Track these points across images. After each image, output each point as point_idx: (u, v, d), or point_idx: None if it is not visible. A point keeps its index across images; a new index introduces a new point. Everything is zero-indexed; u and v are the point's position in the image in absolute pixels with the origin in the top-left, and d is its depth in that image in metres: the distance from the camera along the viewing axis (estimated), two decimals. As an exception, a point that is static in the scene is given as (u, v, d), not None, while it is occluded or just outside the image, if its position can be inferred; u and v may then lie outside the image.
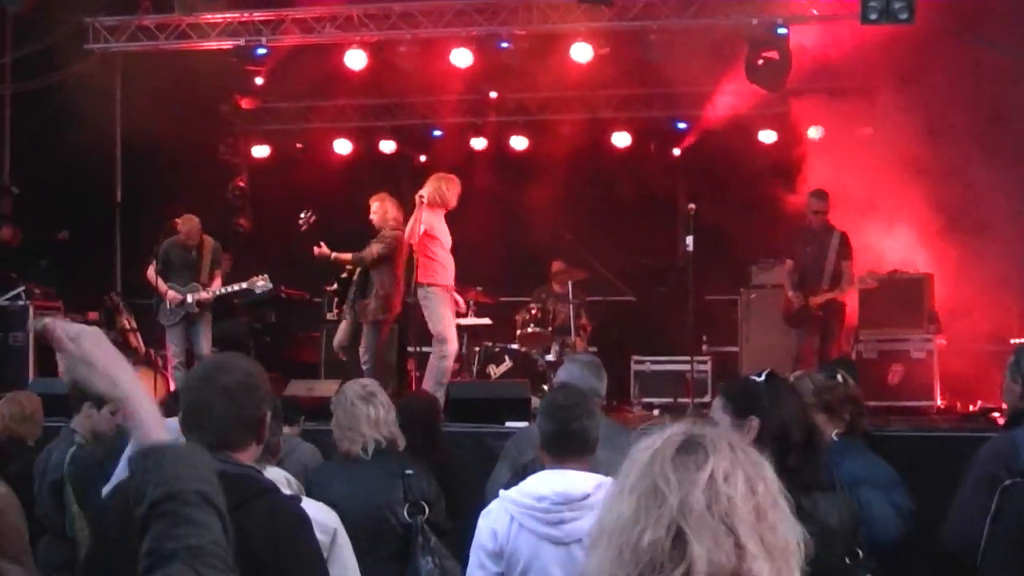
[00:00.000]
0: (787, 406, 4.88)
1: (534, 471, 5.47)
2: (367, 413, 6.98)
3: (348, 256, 14.57)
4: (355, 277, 14.72)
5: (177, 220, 15.27)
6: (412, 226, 13.75)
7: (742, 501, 2.24)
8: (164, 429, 2.95)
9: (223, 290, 15.11)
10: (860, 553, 4.96)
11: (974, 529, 5.94)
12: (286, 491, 4.90)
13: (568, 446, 5.38)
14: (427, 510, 6.79)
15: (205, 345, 15.22)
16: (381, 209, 14.75)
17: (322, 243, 14.67)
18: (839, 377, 6.38)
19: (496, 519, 5.30)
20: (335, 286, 15.02)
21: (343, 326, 15.01)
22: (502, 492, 5.43)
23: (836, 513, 4.77)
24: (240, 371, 4.41)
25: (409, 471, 6.88)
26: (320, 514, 5.09)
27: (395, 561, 6.78)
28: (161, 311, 15.15)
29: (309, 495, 6.63)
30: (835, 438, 6.26)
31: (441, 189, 14.03)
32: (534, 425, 7.22)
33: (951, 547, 6.14)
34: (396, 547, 6.80)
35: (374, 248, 14.51)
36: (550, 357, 16.08)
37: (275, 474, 5.65)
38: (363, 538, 6.67)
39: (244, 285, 15.10)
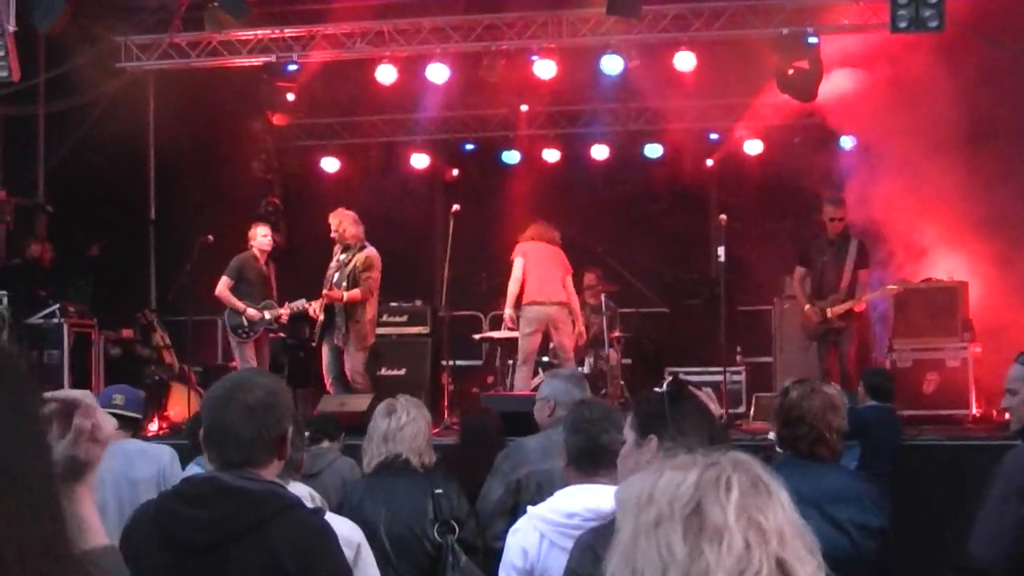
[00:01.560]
0: (689, 422, 4.64)
1: (527, 487, 5.44)
2: (382, 427, 6.98)
3: (357, 294, 14.73)
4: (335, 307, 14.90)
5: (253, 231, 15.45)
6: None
7: (798, 518, 2.32)
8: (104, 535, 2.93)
9: (296, 308, 15.20)
10: None
11: (1005, 541, 5.89)
12: (309, 506, 4.90)
13: (598, 460, 5.34)
14: (457, 529, 6.77)
15: (266, 366, 15.33)
16: (340, 226, 15.03)
17: (332, 287, 14.80)
18: (787, 387, 6.25)
19: (525, 537, 5.25)
20: (322, 317, 15.06)
21: (328, 356, 15.13)
22: (530, 509, 5.37)
23: None
24: (261, 388, 4.40)
25: (439, 490, 6.85)
26: (344, 528, 5.08)
27: (425, 579, 6.78)
28: (235, 327, 15.23)
29: (339, 511, 6.66)
30: (779, 451, 6.18)
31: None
32: (524, 440, 7.23)
33: (980, 560, 6.07)
34: (426, 565, 6.77)
35: (370, 281, 14.82)
36: (584, 369, 16.04)
37: (299, 489, 5.65)
38: (392, 556, 6.68)
39: (300, 305, 15.22)
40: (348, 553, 4.95)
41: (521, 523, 5.34)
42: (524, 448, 7.45)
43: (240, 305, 15.06)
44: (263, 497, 4.23)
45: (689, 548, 2.21)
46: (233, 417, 4.31)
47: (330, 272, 15.00)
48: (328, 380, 15.14)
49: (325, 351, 15.11)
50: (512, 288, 15.11)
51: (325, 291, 14.87)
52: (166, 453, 8.32)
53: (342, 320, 14.84)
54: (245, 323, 15.09)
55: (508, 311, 15.29)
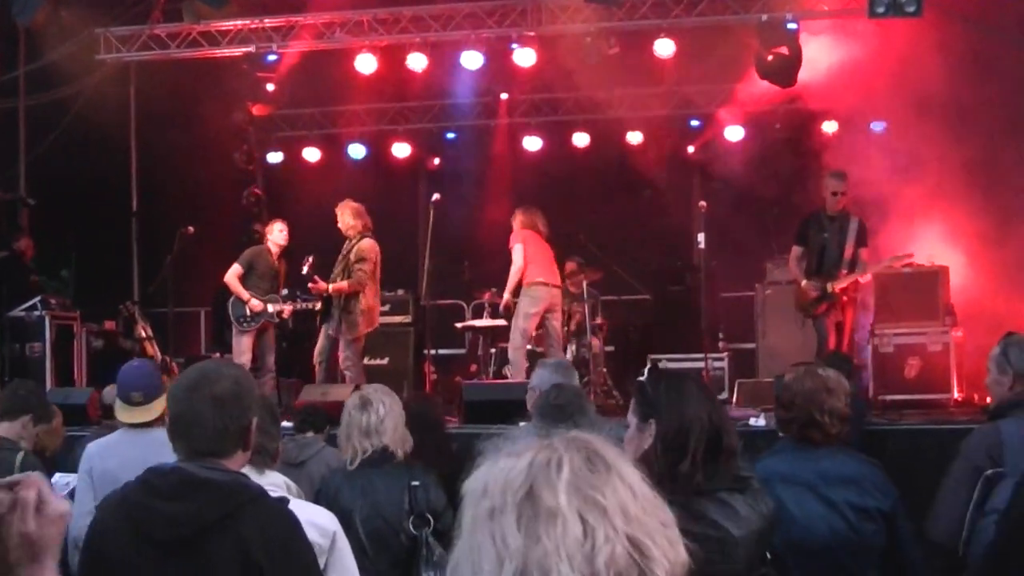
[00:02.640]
0: (687, 407, 4.61)
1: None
2: (359, 422, 6.95)
3: (344, 285, 14.74)
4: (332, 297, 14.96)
5: (271, 225, 15.52)
6: None
7: (647, 492, 2.24)
8: None
9: (301, 305, 15.24)
10: (768, 556, 4.78)
11: (957, 519, 5.94)
12: (284, 495, 4.90)
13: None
14: (432, 521, 6.75)
15: (270, 357, 15.48)
16: (341, 218, 15.13)
17: (316, 278, 14.83)
18: (788, 377, 6.28)
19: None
20: (320, 305, 15.10)
21: (322, 342, 15.16)
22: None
23: (740, 518, 4.50)
24: (228, 379, 4.41)
25: (415, 482, 6.83)
26: (320, 518, 5.07)
27: (399, 570, 6.75)
28: (238, 316, 15.26)
29: (317, 502, 6.65)
30: (779, 437, 6.21)
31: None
32: (512, 428, 7.23)
33: (935, 537, 6.13)
34: (402, 557, 6.76)
35: (360, 272, 14.79)
36: (567, 357, 16.05)
37: (274, 478, 5.65)
38: (368, 548, 6.67)
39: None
40: (323, 542, 4.95)
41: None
42: (511, 436, 7.42)
43: (245, 294, 15.08)
44: (230, 488, 4.25)
45: (524, 535, 2.15)
46: (200, 407, 4.31)
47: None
48: (317, 365, 15.14)
49: (320, 338, 15.14)
50: (514, 274, 15.08)
51: (309, 284, 14.90)
52: None
53: (336, 310, 14.89)
54: (248, 313, 15.10)
55: (507, 296, 15.26)
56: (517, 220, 15.45)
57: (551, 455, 2.22)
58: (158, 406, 7.69)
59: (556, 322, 15.33)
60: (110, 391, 11.85)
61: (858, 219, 14.23)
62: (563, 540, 2.12)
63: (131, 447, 7.33)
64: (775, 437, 6.73)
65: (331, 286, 14.76)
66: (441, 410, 10.44)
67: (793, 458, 5.83)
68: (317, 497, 6.87)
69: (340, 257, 15.00)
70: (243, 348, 15.14)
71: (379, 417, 6.93)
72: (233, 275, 15.24)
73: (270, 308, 15.16)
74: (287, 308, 15.31)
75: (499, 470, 2.25)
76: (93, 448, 7.93)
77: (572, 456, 2.22)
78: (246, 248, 15.66)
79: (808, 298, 14.17)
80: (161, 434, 7.94)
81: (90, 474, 7.41)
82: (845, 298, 14.04)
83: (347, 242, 15.03)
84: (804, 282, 14.16)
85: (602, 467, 2.21)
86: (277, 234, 15.45)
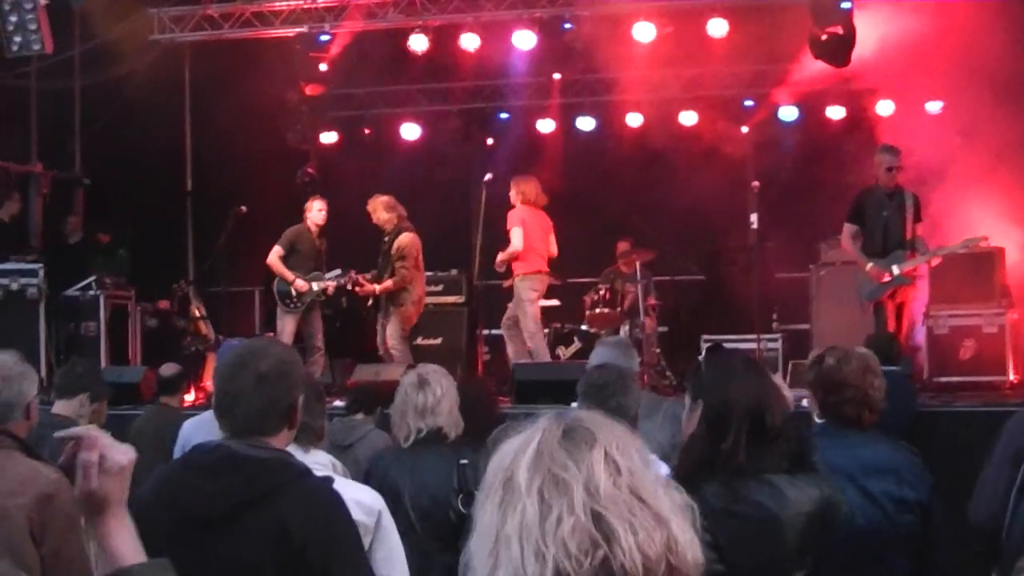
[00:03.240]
0: (732, 386, 4.55)
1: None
2: (415, 402, 6.94)
3: (390, 284, 14.91)
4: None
5: (312, 203, 15.54)
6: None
7: (641, 470, 2.21)
8: (139, 553, 2.93)
9: (342, 281, 15.27)
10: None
11: (998, 504, 5.86)
12: (330, 474, 4.91)
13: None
14: (481, 501, 6.72)
15: (318, 335, 15.54)
16: (374, 213, 15.25)
17: (362, 280, 15.12)
18: (821, 355, 6.19)
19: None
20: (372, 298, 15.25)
21: (382, 330, 15.28)
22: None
23: (786, 499, 4.42)
24: (274, 357, 4.40)
25: (464, 460, 6.83)
26: (364, 496, 5.08)
27: (449, 549, 6.75)
28: (283, 297, 15.32)
29: (367, 482, 6.66)
30: (816, 420, 6.13)
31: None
32: (571, 407, 7.20)
33: (976, 521, 6.05)
34: (450, 535, 6.76)
35: (403, 270, 14.96)
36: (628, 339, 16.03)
37: (320, 457, 5.65)
38: (417, 526, 6.68)
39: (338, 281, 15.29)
40: (368, 521, 4.95)
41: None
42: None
43: (289, 275, 15.15)
44: (273, 466, 4.25)
45: (499, 515, 2.19)
46: (244, 385, 4.31)
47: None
48: (381, 352, 15.26)
49: (379, 329, 15.24)
50: (509, 254, 15.14)
51: (356, 289, 15.18)
52: None
53: (386, 304, 15.00)
54: (293, 293, 15.16)
55: (502, 256, 15.23)
56: (516, 193, 15.40)
57: (531, 435, 2.25)
58: None
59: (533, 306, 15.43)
60: (167, 368, 11.96)
61: (913, 194, 13.83)
62: (522, 517, 2.15)
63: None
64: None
65: (378, 287, 14.86)
66: (490, 391, 10.46)
67: (831, 445, 5.75)
68: (367, 475, 6.92)
69: (382, 253, 15.05)
70: (287, 329, 15.20)
71: (436, 398, 6.94)
72: (275, 256, 15.29)
73: (315, 287, 15.19)
74: (331, 285, 15.33)
75: (497, 455, 2.29)
76: (188, 426, 8.06)
77: (547, 434, 2.23)
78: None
79: (876, 282, 13.63)
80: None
81: (184, 450, 7.49)
82: (910, 282, 13.66)
83: (386, 236, 15.08)
84: (870, 265, 13.59)
85: (583, 442, 2.22)
86: (316, 213, 15.45)
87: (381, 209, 15.08)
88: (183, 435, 8.33)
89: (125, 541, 2.89)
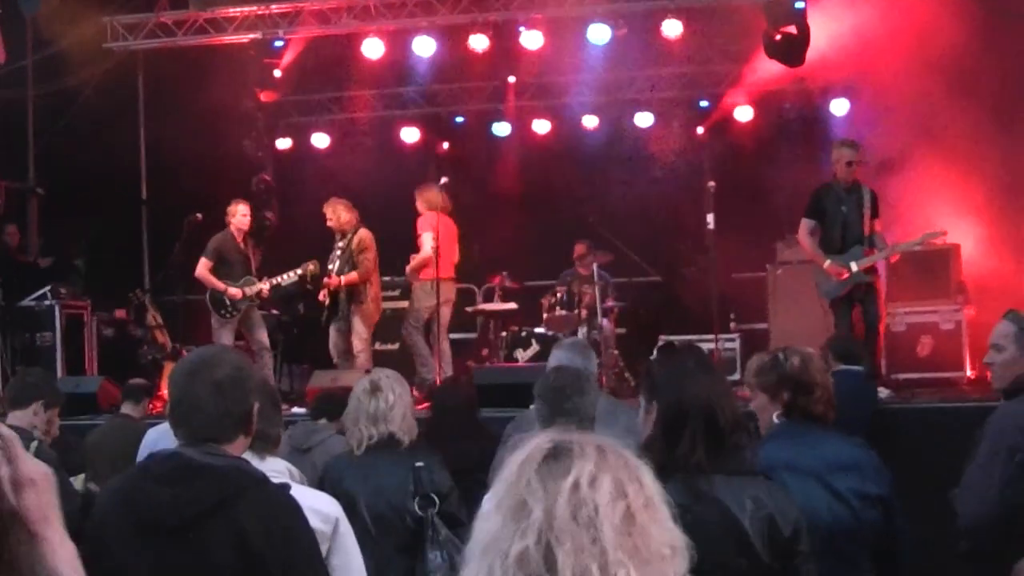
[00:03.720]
0: (685, 385, 4.56)
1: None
2: (367, 408, 6.93)
3: (355, 276, 14.79)
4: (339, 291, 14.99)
5: (231, 208, 15.36)
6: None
7: (608, 507, 2.18)
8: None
9: (277, 280, 15.11)
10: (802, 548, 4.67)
11: (990, 502, 5.85)
12: (286, 480, 4.89)
13: (562, 425, 5.32)
14: (437, 502, 6.73)
15: (261, 334, 15.39)
16: (335, 215, 15.07)
17: (331, 275, 14.92)
18: (781, 356, 6.20)
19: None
20: (328, 304, 15.11)
21: (336, 335, 15.14)
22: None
23: (744, 501, 4.44)
24: (229, 364, 4.41)
25: (419, 463, 6.81)
26: (321, 503, 5.07)
27: (406, 553, 6.74)
28: (219, 307, 15.19)
29: (322, 488, 6.65)
30: (775, 420, 6.12)
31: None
32: (531, 410, 7.20)
33: (968, 521, 6.04)
34: (407, 540, 6.75)
35: (366, 262, 14.91)
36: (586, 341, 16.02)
37: (276, 464, 5.64)
38: (374, 531, 6.66)
39: (298, 272, 15.13)
40: (326, 528, 4.94)
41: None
42: (530, 418, 7.40)
43: (220, 285, 15.02)
44: (230, 474, 4.23)
45: (478, 524, 2.24)
46: (200, 392, 4.30)
47: (331, 261, 15.03)
48: (335, 360, 15.17)
49: (332, 332, 15.13)
50: (420, 263, 15.26)
51: (324, 280, 14.90)
52: None
53: (346, 304, 14.91)
54: (228, 303, 15.05)
55: (415, 262, 15.42)
56: (422, 202, 15.48)
57: (524, 450, 2.27)
58: None
59: (448, 309, 15.65)
60: (135, 381, 11.90)
61: (871, 190, 13.56)
62: (488, 531, 2.20)
63: None
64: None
65: (343, 278, 14.77)
66: (471, 393, 10.48)
67: (793, 444, 5.77)
68: (321, 481, 6.89)
69: (339, 251, 14.97)
70: (225, 340, 14.99)
71: (388, 404, 6.91)
72: (203, 268, 15.16)
73: (248, 291, 15.09)
74: (264, 287, 15.16)
75: (523, 449, 2.31)
76: (153, 433, 8.05)
77: (533, 452, 2.25)
78: (256, 234, 15.65)
79: (835, 280, 13.35)
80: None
81: None
82: (868, 279, 13.34)
83: (340, 237, 15.02)
84: (828, 262, 13.29)
85: (561, 468, 2.21)
86: (240, 218, 15.32)
87: (343, 210, 15.00)
88: (147, 443, 8.29)
89: (64, 560, 2.58)
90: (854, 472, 5.73)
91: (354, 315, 14.93)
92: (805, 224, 13.59)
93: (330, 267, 14.95)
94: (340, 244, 15.02)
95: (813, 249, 13.54)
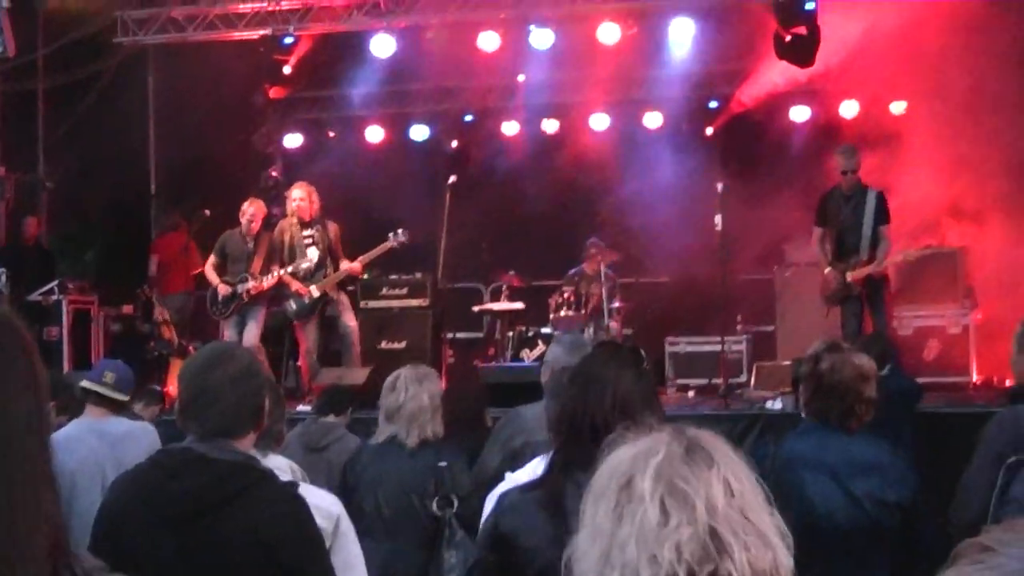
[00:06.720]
0: (587, 392, 4.50)
1: (523, 456, 5.44)
2: (389, 402, 6.99)
3: (358, 266, 15.03)
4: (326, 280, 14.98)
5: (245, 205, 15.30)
6: None
7: (752, 495, 2.30)
8: None
9: (267, 279, 14.94)
10: None
11: (980, 507, 5.86)
12: (287, 478, 4.91)
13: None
14: (455, 503, 6.76)
15: (250, 334, 15.01)
16: (309, 199, 14.96)
17: (359, 261, 14.87)
18: (824, 363, 6.17)
19: (503, 501, 5.26)
20: (317, 294, 15.02)
21: (316, 333, 15.18)
22: (509, 475, 5.38)
23: None
24: (241, 359, 4.47)
25: (443, 463, 6.86)
26: (322, 501, 5.07)
27: (422, 550, 6.77)
28: (211, 304, 15.17)
29: (344, 478, 6.70)
30: (803, 418, 6.13)
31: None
32: (524, 408, 7.21)
33: (958, 525, 6.04)
34: (424, 537, 6.79)
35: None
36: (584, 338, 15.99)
37: (277, 462, 5.66)
38: (388, 523, 6.70)
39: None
40: (326, 525, 4.95)
41: (499, 489, 5.35)
42: (522, 416, 7.40)
43: (214, 280, 15.01)
44: (238, 469, 4.28)
45: (615, 518, 2.25)
46: (215, 386, 4.33)
47: (295, 246, 14.88)
48: (311, 357, 15.13)
49: (312, 329, 15.10)
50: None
51: (346, 267, 14.88)
52: (150, 433, 8.15)
53: (336, 294, 14.92)
54: (218, 299, 15.01)
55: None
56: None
57: (653, 444, 2.33)
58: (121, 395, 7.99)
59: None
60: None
61: (876, 192, 13.64)
62: (641, 522, 2.23)
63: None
64: (792, 420, 6.65)
65: (358, 264, 14.81)
66: (481, 392, 10.52)
67: (818, 442, 5.77)
68: (344, 472, 7.06)
69: (311, 241, 14.88)
70: (227, 337, 14.90)
71: (399, 402, 7.01)
72: (208, 265, 15.17)
73: (239, 289, 14.96)
74: (252, 286, 14.89)
75: (611, 460, 2.36)
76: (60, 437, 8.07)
77: (671, 446, 2.32)
78: (265, 231, 15.64)
79: (830, 287, 13.70)
80: (118, 424, 7.93)
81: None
82: (863, 289, 13.47)
83: (306, 225, 14.95)
84: (827, 269, 13.66)
85: (702, 461, 2.30)
86: (245, 221, 15.17)
87: (316, 196, 14.97)
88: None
89: None
90: (876, 475, 5.70)
91: (343, 307, 15.03)
92: (815, 231, 13.92)
93: (308, 259, 14.82)
94: (309, 233, 14.87)
95: (821, 256, 13.82)
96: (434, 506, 6.78)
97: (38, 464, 2.17)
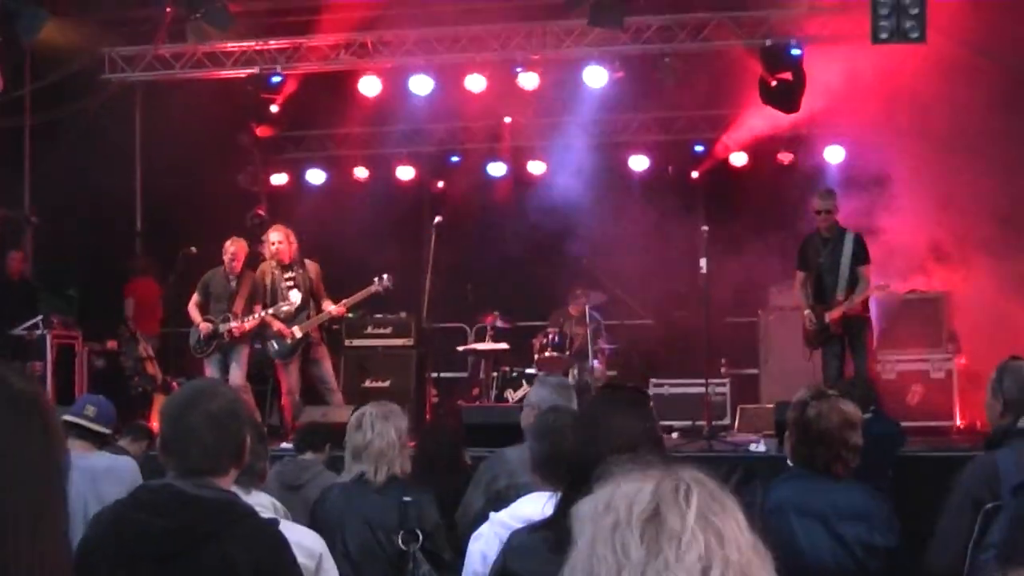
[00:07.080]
0: (595, 432, 4.57)
1: (508, 497, 5.44)
2: (356, 440, 6.98)
3: (343, 308, 15.13)
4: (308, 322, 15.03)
5: (228, 243, 15.24)
6: None
7: (741, 531, 2.30)
8: None
9: (248, 320, 14.90)
10: None
11: (957, 553, 5.87)
12: (269, 515, 4.90)
13: (560, 468, 5.32)
14: (421, 538, 6.74)
15: (235, 373, 14.91)
16: (288, 241, 15.10)
17: (342, 304, 14.99)
18: (811, 410, 6.20)
19: (487, 543, 5.25)
20: (299, 335, 15.05)
21: (298, 373, 15.18)
22: (492, 515, 5.39)
23: None
24: (223, 397, 4.44)
25: (407, 498, 6.84)
26: (306, 539, 5.08)
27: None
28: (193, 344, 15.09)
29: (313, 516, 6.68)
30: (789, 464, 6.15)
31: None
32: (508, 449, 7.21)
33: (934, 571, 6.05)
34: (390, 573, 6.77)
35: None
36: (569, 381, 16.00)
37: (261, 499, 5.66)
38: (357, 560, 6.68)
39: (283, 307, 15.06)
40: (310, 563, 4.95)
41: (483, 529, 5.37)
42: (505, 458, 7.42)
43: (196, 319, 14.94)
44: (219, 506, 4.25)
45: (647, 548, 2.23)
46: (196, 424, 4.32)
47: (276, 288, 14.95)
48: (294, 397, 15.13)
49: (294, 368, 15.10)
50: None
51: (331, 310, 15.01)
52: (132, 468, 8.13)
53: (320, 335, 15.02)
54: (199, 338, 14.97)
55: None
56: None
57: (678, 483, 2.31)
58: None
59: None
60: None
61: (854, 234, 13.76)
62: (684, 556, 2.22)
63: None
64: (775, 463, 6.66)
65: (343, 307, 14.89)
66: (457, 432, 10.52)
67: (805, 488, 5.80)
68: (313, 511, 6.98)
69: (292, 283, 14.97)
70: (211, 372, 14.85)
71: (365, 441, 6.97)
72: (192, 303, 15.10)
73: (220, 328, 14.84)
74: (234, 326, 14.79)
75: (623, 491, 2.34)
76: None
77: (700, 488, 2.31)
78: (248, 269, 15.61)
79: (809, 329, 13.81)
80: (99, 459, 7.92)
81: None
82: (841, 331, 13.55)
83: (285, 268, 15.02)
84: (806, 312, 13.76)
85: (721, 505, 2.31)
86: (227, 259, 15.10)
87: (294, 238, 15.03)
88: None
89: None
90: (863, 521, 5.74)
91: (322, 349, 15.07)
92: (797, 276, 14.06)
93: (289, 301, 14.86)
94: (290, 275, 14.95)
95: (803, 300, 13.91)
96: (399, 541, 6.76)
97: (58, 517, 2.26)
